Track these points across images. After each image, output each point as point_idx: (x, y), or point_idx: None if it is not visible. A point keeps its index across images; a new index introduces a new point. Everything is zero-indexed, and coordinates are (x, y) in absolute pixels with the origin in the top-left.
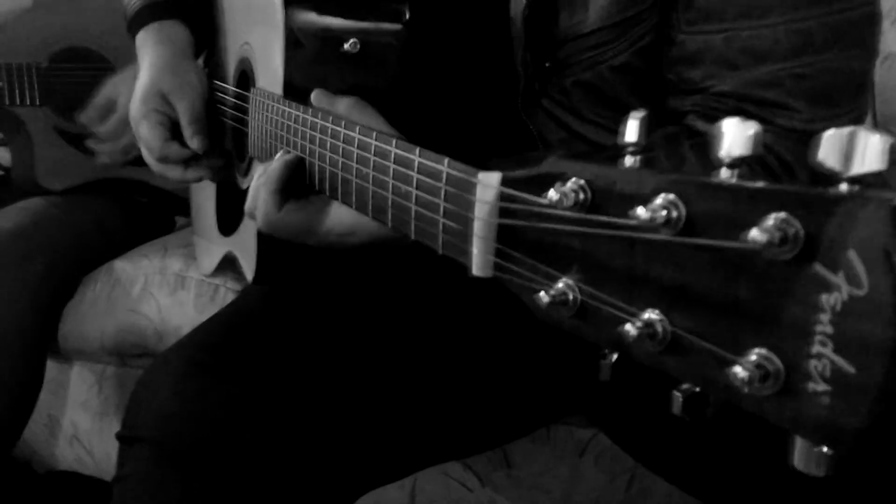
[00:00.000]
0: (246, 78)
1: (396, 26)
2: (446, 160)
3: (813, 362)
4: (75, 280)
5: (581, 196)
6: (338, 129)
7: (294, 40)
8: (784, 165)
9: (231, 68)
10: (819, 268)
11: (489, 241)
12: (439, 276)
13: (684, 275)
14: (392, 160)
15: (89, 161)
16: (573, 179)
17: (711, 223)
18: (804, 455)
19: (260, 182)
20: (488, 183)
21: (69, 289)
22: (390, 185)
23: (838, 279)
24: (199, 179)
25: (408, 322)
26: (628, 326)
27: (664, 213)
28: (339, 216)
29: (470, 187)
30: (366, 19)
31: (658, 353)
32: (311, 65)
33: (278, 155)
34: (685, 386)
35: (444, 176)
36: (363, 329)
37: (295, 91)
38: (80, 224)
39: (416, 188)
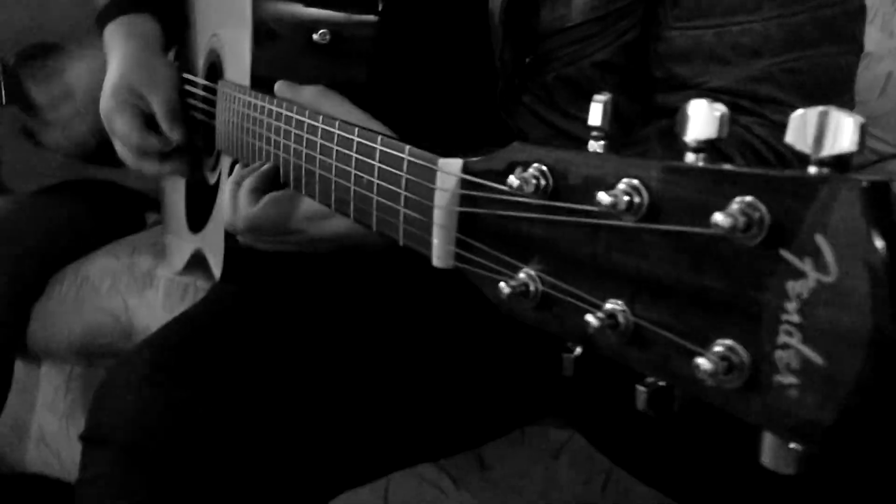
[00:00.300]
0: (215, 70)
1: (369, 17)
2: (407, 147)
3: (780, 353)
4: (43, 279)
5: (542, 182)
6: (302, 119)
7: (263, 31)
8: (779, 157)
9: (200, 61)
10: (785, 253)
11: (450, 231)
12: (409, 274)
13: (648, 263)
14: (354, 150)
15: (57, 162)
16: (535, 165)
17: (675, 209)
18: (774, 452)
19: (238, 187)
20: (449, 170)
21: (37, 288)
22: (352, 176)
23: (805, 265)
24: (175, 173)
25: (379, 321)
26: (590, 318)
27: (626, 198)
28: (314, 202)
29: (430, 175)
30: (337, 10)
31: (621, 346)
32: (280, 56)
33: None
34: (650, 380)
35: (405, 164)
36: (333, 329)
37: (263, 83)
38: (48, 224)
39: (378, 177)
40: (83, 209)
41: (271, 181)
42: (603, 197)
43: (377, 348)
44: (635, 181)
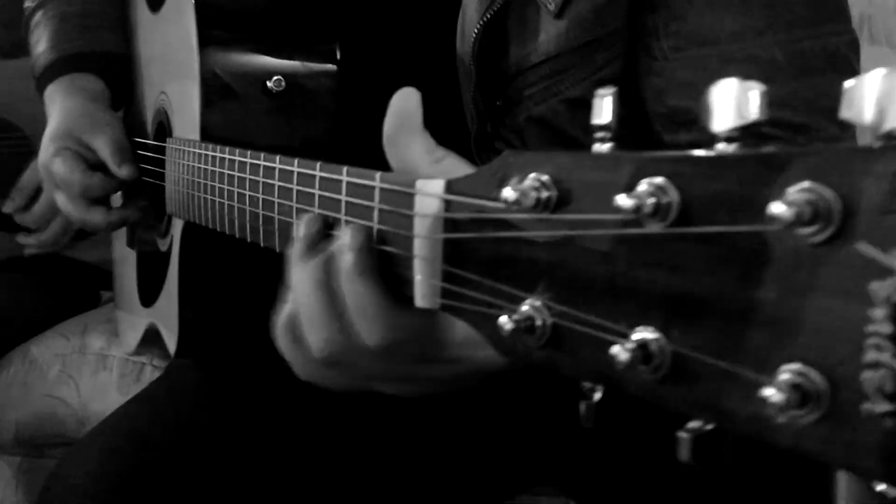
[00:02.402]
0: (163, 130)
1: (326, 66)
2: (377, 174)
3: (868, 374)
4: None
5: (544, 193)
6: (257, 162)
7: (212, 83)
8: None
9: (149, 122)
10: (863, 247)
11: (434, 263)
12: None
13: (683, 278)
14: (317, 187)
15: (4, 238)
16: (532, 175)
17: (714, 207)
18: (854, 497)
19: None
20: (429, 191)
21: None
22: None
23: (893, 259)
24: (124, 222)
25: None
26: (616, 350)
27: (652, 200)
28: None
29: (407, 201)
30: (291, 58)
31: (657, 383)
32: (232, 108)
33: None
34: (694, 424)
35: (377, 193)
36: (302, 403)
37: (214, 136)
38: None
39: (346, 213)
40: (31, 286)
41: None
42: (623, 201)
43: (347, 418)
44: (659, 179)
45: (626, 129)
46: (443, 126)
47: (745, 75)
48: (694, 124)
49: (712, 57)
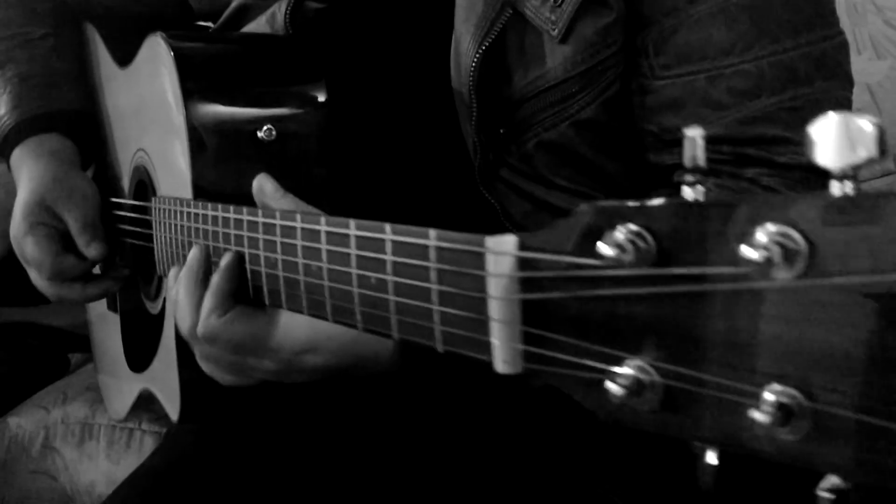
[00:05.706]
0: (144, 187)
1: (315, 109)
2: (431, 232)
3: None
4: None
5: (642, 246)
6: (272, 221)
7: (200, 138)
8: None
9: (125, 181)
10: None
11: (513, 325)
12: (413, 390)
13: (817, 330)
14: (353, 246)
15: None
16: (624, 227)
17: (850, 254)
18: None
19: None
20: (502, 250)
21: None
22: (353, 277)
23: None
24: (104, 295)
25: (378, 451)
26: (755, 414)
27: (778, 249)
28: (291, 328)
29: (476, 260)
30: (280, 105)
31: (798, 442)
32: (224, 162)
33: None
34: (838, 483)
35: (432, 252)
36: (320, 466)
37: (206, 193)
38: None
39: (393, 274)
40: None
41: (238, 277)
42: (747, 251)
43: (378, 486)
44: (783, 227)
45: (620, 152)
46: (442, 159)
47: (733, 91)
48: (679, 144)
49: (701, 74)
